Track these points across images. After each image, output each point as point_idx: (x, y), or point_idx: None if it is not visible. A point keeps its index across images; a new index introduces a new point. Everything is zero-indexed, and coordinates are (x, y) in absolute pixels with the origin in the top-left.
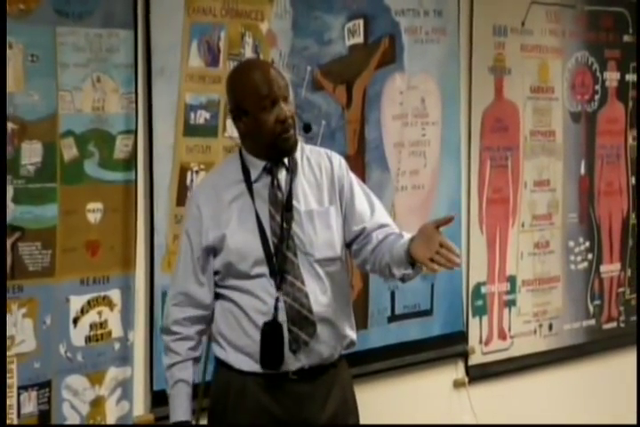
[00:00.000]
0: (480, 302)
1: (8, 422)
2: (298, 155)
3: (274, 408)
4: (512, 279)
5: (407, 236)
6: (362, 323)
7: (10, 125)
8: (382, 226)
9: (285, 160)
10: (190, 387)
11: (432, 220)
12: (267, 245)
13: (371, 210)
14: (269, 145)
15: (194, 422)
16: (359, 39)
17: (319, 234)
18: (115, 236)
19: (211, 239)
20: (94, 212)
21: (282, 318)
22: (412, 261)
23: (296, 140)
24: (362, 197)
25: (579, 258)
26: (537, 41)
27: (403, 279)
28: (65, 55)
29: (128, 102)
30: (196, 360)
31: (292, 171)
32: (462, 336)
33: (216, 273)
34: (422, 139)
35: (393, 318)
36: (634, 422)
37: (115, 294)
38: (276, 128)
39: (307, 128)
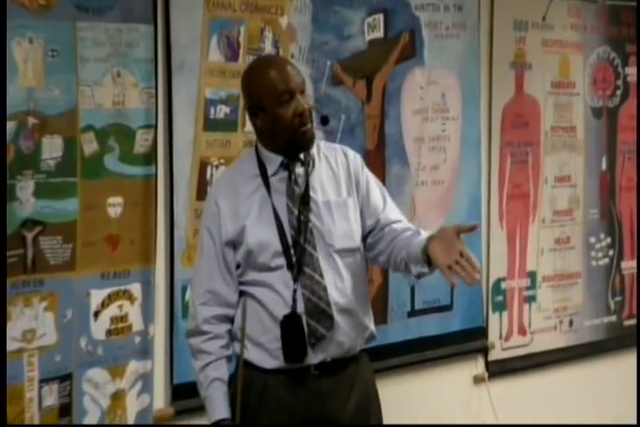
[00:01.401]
0: (500, 298)
1: (28, 415)
2: (314, 150)
3: (296, 406)
4: (532, 275)
5: (424, 234)
6: (381, 318)
7: (30, 120)
8: (396, 221)
9: (302, 156)
10: (226, 385)
11: (454, 224)
12: (284, 239)
13: (385, 205)
14: (288, 140)
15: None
16: (379, 34)
17: (338, 224)
18: (135, 230)
19: (230, 233)
20: (114, 206)
21: (300, 309)
22: (428, 261)
23: (314, 134)
24: (377, 191)
25: (600, 254)
26: (558, 36)
27: (418, 276)
28: (85, 50)
29: (148, 97)
30: (228, 359)
31: (308, 164)
32: (482, 332)
33: (237, 267)
34: (442, 134)
35: (413, 313)
36: None
37: (135, 288)
38: (294, 122)
39: (324, 120)
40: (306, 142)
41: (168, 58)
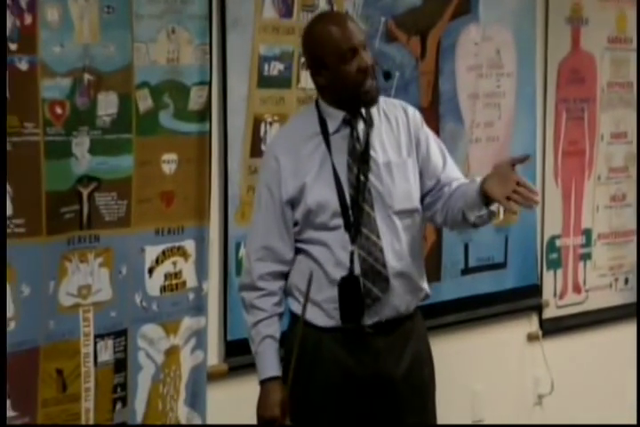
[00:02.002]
0: (554, 256)
1: (84, 369)
2: (374, 108)
3: (350, 362)
4: (587, 233)
5: (478, 179)
6: (435, 275)
7: (86, 77)
8: (455, 179)
9: (363, 111)
10: (278, 343)
11: (507, 158)
12: (343, 198)
13: (444, 164)
14: (351, 96)
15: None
16: None
17: (398, 185)
18: (189, 187)
19: (291, 191)
20: (169, 163)
21: (357, 271)
22: (486, 202)
23: (378, 90)
24: (436, 150)
25: None
26: None
27: (476, 224)
28: (140, 6)
29: (202, 54)
30: (280, 316)
31: (369, 123)
32: (536, 290)
33: (295, 224)
34: (497, 90)
35: (466, 270)
36: None
37: (189, 245)
38: (359, 78)
39: (387, 75)
40: (370, 99)
41: (222, 14)
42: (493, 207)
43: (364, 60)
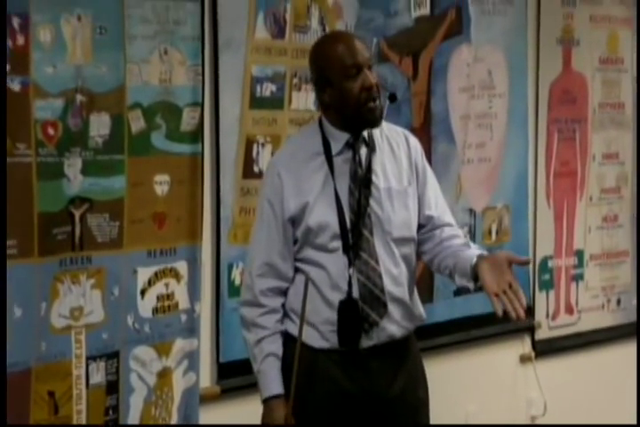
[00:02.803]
0: (547, 276)
1: (76, 391)
2: (377, 132)
3: (344, 383)
4: (579, 253)
5: (474, 248)
6: (427, 296)
7: (78, 97)
8: (448, 224)
9: (366, 135)
10: (280, 361)
11: (508, 253)
12: (343, 221)
13: (438, 203)
14: (355, 115)
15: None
16: (425, 11)
17: (397, 213)
18: (181, 208)
19: (292, 208)
20: (161, 184)
21: (355, 295)
22: (475, 278)
23: (382, 111)
24: (434, 186)
25: None
26: (606, 11)
27: (460, 288)
28: (132, 27)
29: (195, 74)
30: (282, 334)
31: (371, 147)
32: (529, 310)
33: (294, 242)
34: (489, 111)
35: (459, 291)
36: None
37: (181, 266)
38: (362, 96)
39: (392, 98)
40: (374, 118)
41: (215, 35)
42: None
43: (368, 79)
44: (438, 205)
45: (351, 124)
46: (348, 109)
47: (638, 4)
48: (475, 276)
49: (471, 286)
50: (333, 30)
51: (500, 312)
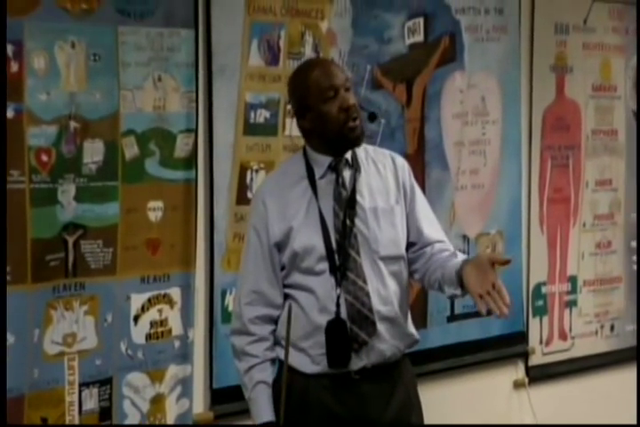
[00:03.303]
0: (540, 303)
1: (69, 418)
2: (362, 155)
3: (337, 408)
4: (573, 279)
5: (460, 256)
6: (421, 322)
7: (72, 124)
8: (438, 241)
9: (349, 157)
10: (270, 388)
11: (490, 253)
12: (329, 242)
13: (427, 221)
14: (336, 136)
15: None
16: (419, 38)
17: (384, 231)
18: (175, 234)
19: (277, 234)
20: (155, 210)
21: (343, 315)
22: (462, 284)
23: (363, 130)
24: (421, 205)
25: None
26: (599, 39)
27: (451, 298)
28: (126, 54)
29: (189, 101)
30: (272, 362)
31: (355, 168)
32: (522, 336)
33: (282, 269)
34: (482, 138)
35: (452, 317)
36: None
37: (175, 292)
38: (341, 116)
39: (372, 117)
40: (355, 138)
41: (209, 62)
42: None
43: (345, 100)
44: (428, 223)
45: (333, 146)
46: (329, 131)
47: (638, 32)
48: (461, 282)
49: (459, 292)
50: (309, 58)
51: (483, 311)
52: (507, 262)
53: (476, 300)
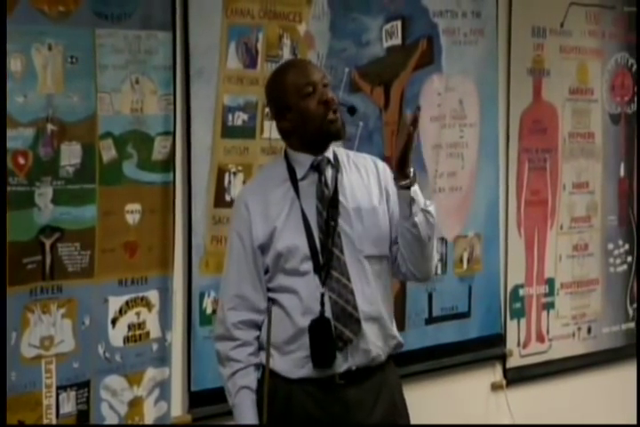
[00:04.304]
0: (518, 305)
1: (46, 421)
2: (344, 158)
3: (321, 415)
4: (550, 282)
5: None
6: (399, 325)
7: (49, 127)
8: None
9: (331, 157)
10: (254, 394)
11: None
12: (312, 242)
13: None
14: (317, 130)
15: None
16: (397, 41)
17: (368, 230)
18: (153, 237)
19: (261, 236)
20: (133, 213)
21: (327, 314)
22: (409, 211)
23: (344, 123)
24: None
25: (618, 261)
26: (576, 42)
27: (415, 225)
28: (104, 57)
29: (166, 104)
30: (256, 367)
31: (337, 168)
32: (500, 339)
33: (266, 272)
34: (460, 140)
35: (430, 320)
36: None
37: (153, 295)
38: (320, 110)
39: (351, 110)
40: (336, 130)
41: (187, 65)
42: (406, 182)
43: (324, 93)
44: None
45: (316, 141)
46: (310, 126)
47: (637, 31)
48: (410, 207)
49: (408, 213)
50: (285, 60)
51: (407, 129)
52: (416, 109)
53: (399, 133)
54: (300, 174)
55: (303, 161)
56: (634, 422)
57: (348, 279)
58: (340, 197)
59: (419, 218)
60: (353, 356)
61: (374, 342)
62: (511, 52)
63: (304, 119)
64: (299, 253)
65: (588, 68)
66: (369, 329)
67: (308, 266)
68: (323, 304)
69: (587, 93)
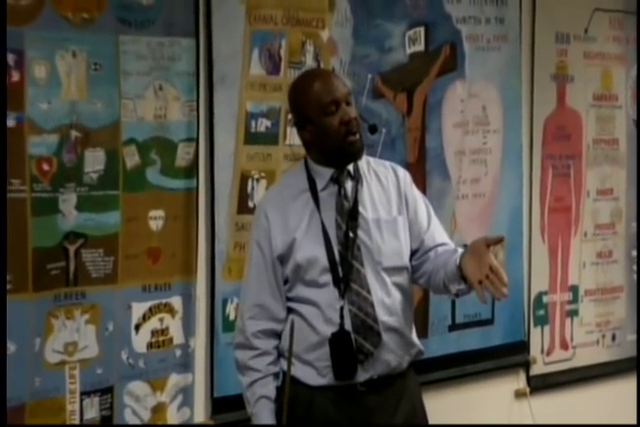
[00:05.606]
0: (542, 312)
1: None
2: (364, 166)
3: (342, 421)
4: (574, 289)
5: (460, 250)
6: (422, 332)
7: (73, 133)
8: (441, 244)
9: (351, 169)
10: (273, 403)
11: (483, 237)
12: (332, 254)
13: (429, 226)
14: (336, 150)
15: None
16: (420, 47)
17: (387, 242)
18: (176, 243)
19: (280, 246)
20: (156, 219)
21: (347, 326)
22: (464, 277)
23: (363, 144)
24: (424, 212)
25: None
26: (600, 48)
27: (457, 295)
28: (127, 63)
29: (189, 110)
30: (275, 376)
31: (357, 180)
32: (524, 346)
33: (285, 282)
34: (483, 147)
35: (453, 326)
36: None
37: (176, 301)
38: (341, 130)
39: (372, 129)
40: (355, 152)
41: (210, 71)
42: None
43: (346, 113)
44: (431, 229)
45: (334, 159)
46: (330, 145)
47: (638, 32)
48: (463, 275)
49: (463, 287)
50: (309, 69)
51: (483, 299)
52: (500, 240)
53: (475, 287)
54: (320, 186)
55: (323, 173)
56: None
57: (368, 292)
58: (360, 209)
59: (462, 290)
60: (374, 366)
61: (395, 351)
62: (534, 57)
63: (324, 136)
64: (318, 265)
65: (612, 73)
66: (389, 339)
67: (328, 278)
68: (342, 317)
69: (611, 99)
